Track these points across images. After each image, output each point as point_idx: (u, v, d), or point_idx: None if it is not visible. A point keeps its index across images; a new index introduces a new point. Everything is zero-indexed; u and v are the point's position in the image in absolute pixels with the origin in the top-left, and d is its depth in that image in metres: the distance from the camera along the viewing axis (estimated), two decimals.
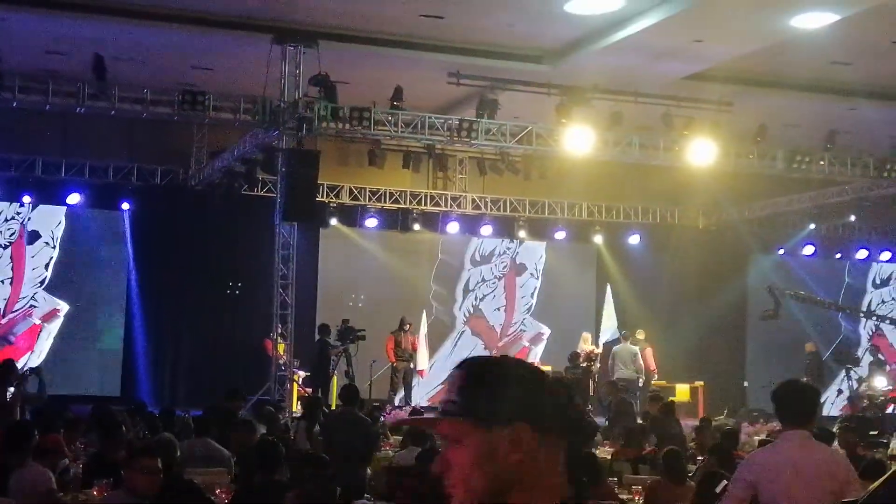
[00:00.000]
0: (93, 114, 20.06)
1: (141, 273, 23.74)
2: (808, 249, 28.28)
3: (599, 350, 23.99)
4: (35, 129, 22.31)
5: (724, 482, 8.05)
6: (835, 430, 13.26)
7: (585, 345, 23.76)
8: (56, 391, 20.41)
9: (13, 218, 23.39)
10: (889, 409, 23.26)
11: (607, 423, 18.05)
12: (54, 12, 17.87)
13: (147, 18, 18.19)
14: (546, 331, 27.13)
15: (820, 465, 6.14)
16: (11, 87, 18.75)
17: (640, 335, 24.08)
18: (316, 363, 21.37)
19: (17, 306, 23.39)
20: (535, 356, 26.22)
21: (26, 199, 23.03)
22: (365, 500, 9.87)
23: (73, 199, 23.11)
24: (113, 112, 19.62)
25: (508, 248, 27.22)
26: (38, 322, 23.41)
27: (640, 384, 23.15)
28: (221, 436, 11.61)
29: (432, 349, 24.81)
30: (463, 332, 26.67)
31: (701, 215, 27.78)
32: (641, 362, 23.24)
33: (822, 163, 22.83)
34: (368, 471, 11.94)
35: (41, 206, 23.41)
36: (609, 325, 24.66)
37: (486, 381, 2.47)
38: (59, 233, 23.67)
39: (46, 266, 23.60)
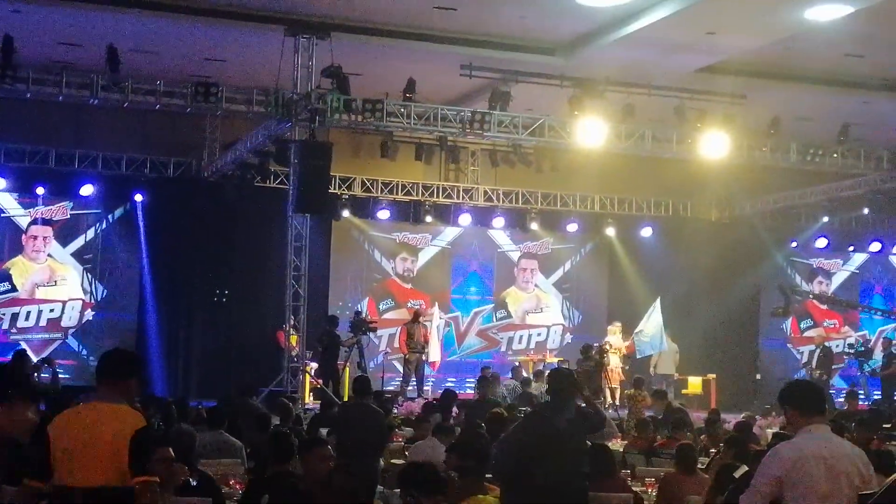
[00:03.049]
0: (106, 105, 20.09)
1: (153, 264, 23.77)
2: (822, 242, 28.22)
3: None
4: (48, 121, 22.37)
5: (744, 468, 8.03)
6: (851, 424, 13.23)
7: (614, 336, 23.64)
8: (69, 381, 20.59)
9: None
10: None
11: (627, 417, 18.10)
12: (68, 4, 17.94)
13: (160, 10, 18.26)
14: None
15: (847, 459, 6.10)
16: (25, 79, 18.74)
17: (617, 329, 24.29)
18: (323, 355, 21.36)
19: None
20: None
21: (39, 190, 23.06)
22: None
23: (86, 190, 23.15)
24: (126, 104, 19.60)
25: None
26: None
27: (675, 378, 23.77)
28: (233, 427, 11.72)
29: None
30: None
31: (714, 208, 27.74)
32: (678, 358, 23.55)
33: (835, 156, 22.78)
34: (381, 462, 11.98)
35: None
36: (654, 332, 24.49)
37: None
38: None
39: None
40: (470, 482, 7.91)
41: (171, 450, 7.91)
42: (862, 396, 25.75)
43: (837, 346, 27.87)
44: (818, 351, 25.40)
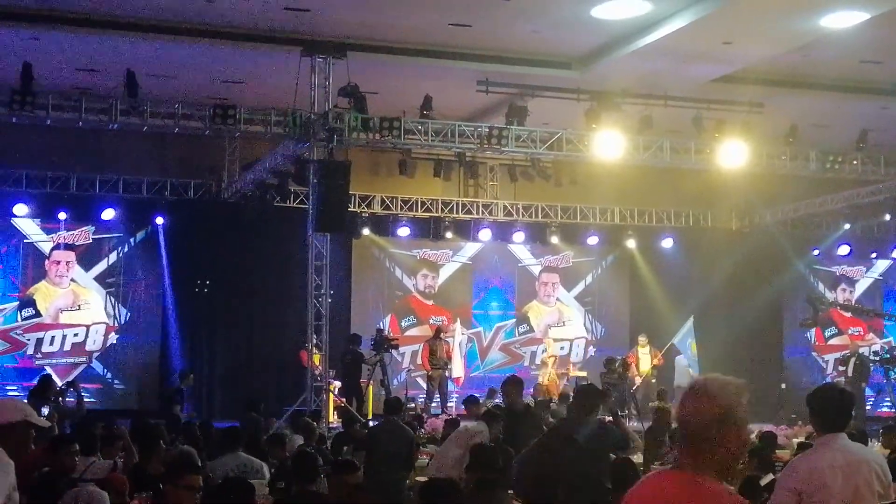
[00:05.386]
0: (125, 130, 20.21)
1: (176, 286, 23.87)
2: (844, 250, 28.11)
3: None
4: (68, 147, 22.49)
5: (770, 476, 7.98)
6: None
7: (549, 351, 24.41)
8: (94, 405, 20.66)
9: None
10: None
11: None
12: (85, 30, 18.05)
13: (177, 34, 18.36)
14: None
15: (865, 465, 6.07)
16: (45, 105, 18.92)
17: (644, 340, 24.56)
18: (345, 373, 21.38)
19: None
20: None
21: (62, 215, 23.20)
22: None
23: (108, 214, 23.28)
24: (145, 128, 19.77)
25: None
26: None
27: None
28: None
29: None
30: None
31: (734, 217, 27.66)
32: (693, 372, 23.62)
33: (854, 162, 22.72)
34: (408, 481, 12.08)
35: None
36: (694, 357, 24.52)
37: None
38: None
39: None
40: (492, 496, 7.89)
41: (199, 478, 7.73)
42: (888, 403, 25.57)
43: (863, 353, 27.67)
44: (854, 359, 24.92)
